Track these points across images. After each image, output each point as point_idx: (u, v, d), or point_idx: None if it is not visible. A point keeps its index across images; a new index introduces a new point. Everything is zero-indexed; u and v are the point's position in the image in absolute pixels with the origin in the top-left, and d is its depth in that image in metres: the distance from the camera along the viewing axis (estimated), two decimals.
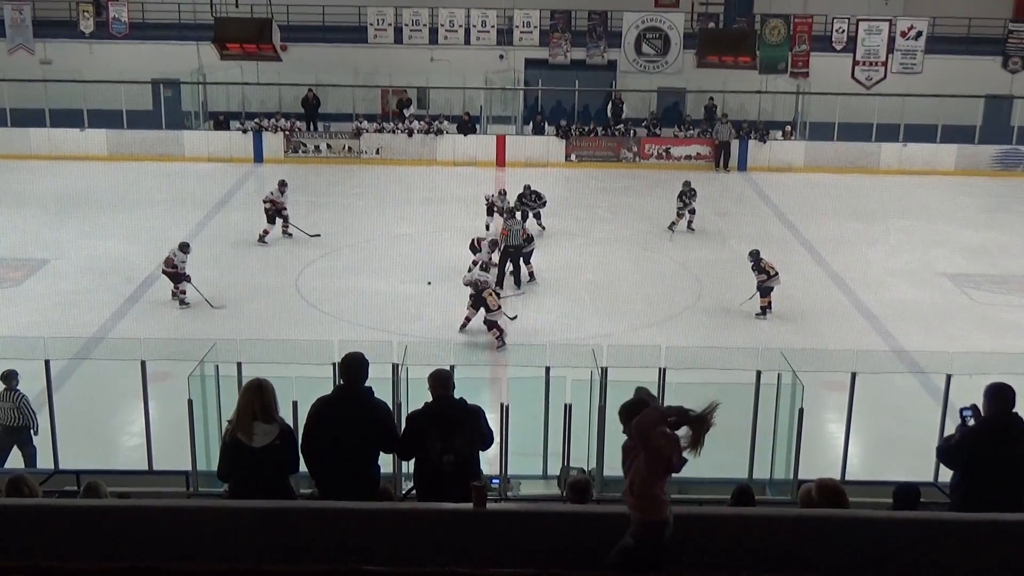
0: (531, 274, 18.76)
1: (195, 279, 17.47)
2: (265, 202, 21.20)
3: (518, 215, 18.68)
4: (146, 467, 9.92)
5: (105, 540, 4.46)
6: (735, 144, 29.20)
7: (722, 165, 28.97)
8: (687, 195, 22.46)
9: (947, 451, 7.02)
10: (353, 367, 6.61)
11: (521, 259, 18.56)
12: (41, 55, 31.01)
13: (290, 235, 21.22)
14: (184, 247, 17.63)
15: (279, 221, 21.20)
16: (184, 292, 17.44)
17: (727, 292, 18.04)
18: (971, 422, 6.83)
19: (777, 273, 17.21)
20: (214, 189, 25.19)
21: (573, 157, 29.10)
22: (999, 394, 6.65)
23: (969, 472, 6.83)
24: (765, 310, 17.22)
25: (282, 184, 21.34)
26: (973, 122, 29.17)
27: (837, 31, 30.31)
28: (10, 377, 10.96)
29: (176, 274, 17.42)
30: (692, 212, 22.48)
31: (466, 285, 16.26)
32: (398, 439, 6.97)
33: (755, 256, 17.37)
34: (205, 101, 31.27)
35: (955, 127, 28.82)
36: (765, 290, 17.20)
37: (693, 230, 22.39)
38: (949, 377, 9.59)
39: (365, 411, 6.58)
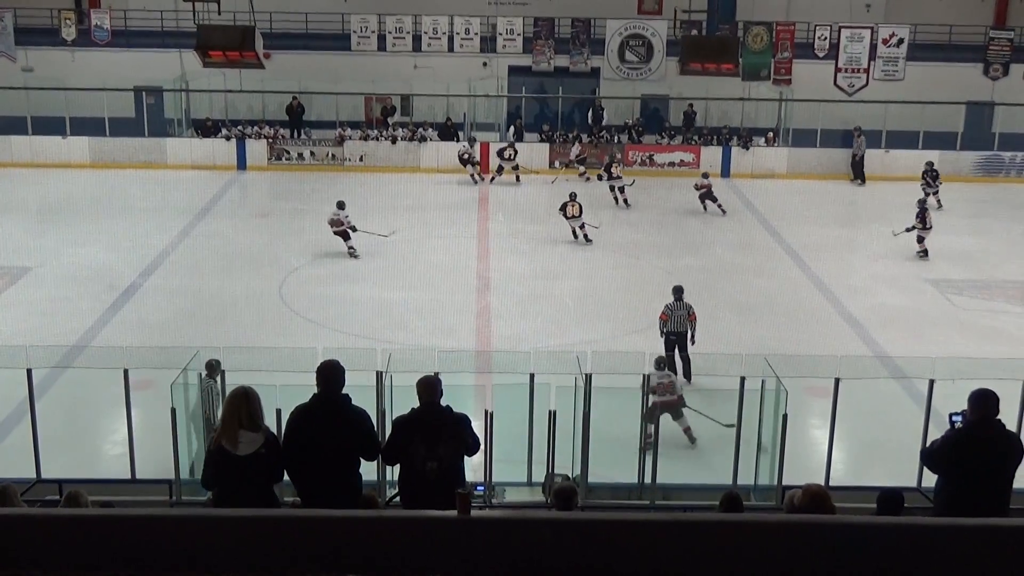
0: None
1: (179, 286, 17.42)
2: None
3: (685, 298, 14.95)
4: (129, 476, 9.87)
5: (87, 550, 4.43)
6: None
7: (858, 177, 28.61)
8: (930, 175, 25.94)
9: (931, 455, 7.06)
10: (328, 375, 6.59)
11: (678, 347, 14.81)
12: (23, 62, 30.87)
13: None
14: (341, 204, 20.79)
15: None
16: (353, 247, 20.55)
17: (711, 300, 18.07)
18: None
19: (929, 228, 20.92)
20: (197, 197, 25.11)
21: (557, 164, 29.12)
22: (982, 400, 6.69)
23: (952, 477, 6.86)
24: (924, 253, 20.90)
25: None
26: (955, 128, 29.31)
27: (819, 38, 30.48)
28: None
29: (344, 231, 20.51)
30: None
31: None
32: (378, 445, 6.97)
33: (921, 204, 21.41)
34: (188, 108, 31.20)
35: (937, 133, 28.96)
36: (919, 238, 20.91)
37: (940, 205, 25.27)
38: (932, 382, 9.63)
39: (343, 418, 6.57)
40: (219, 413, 10.68)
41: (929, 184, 25.88)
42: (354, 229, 20.84)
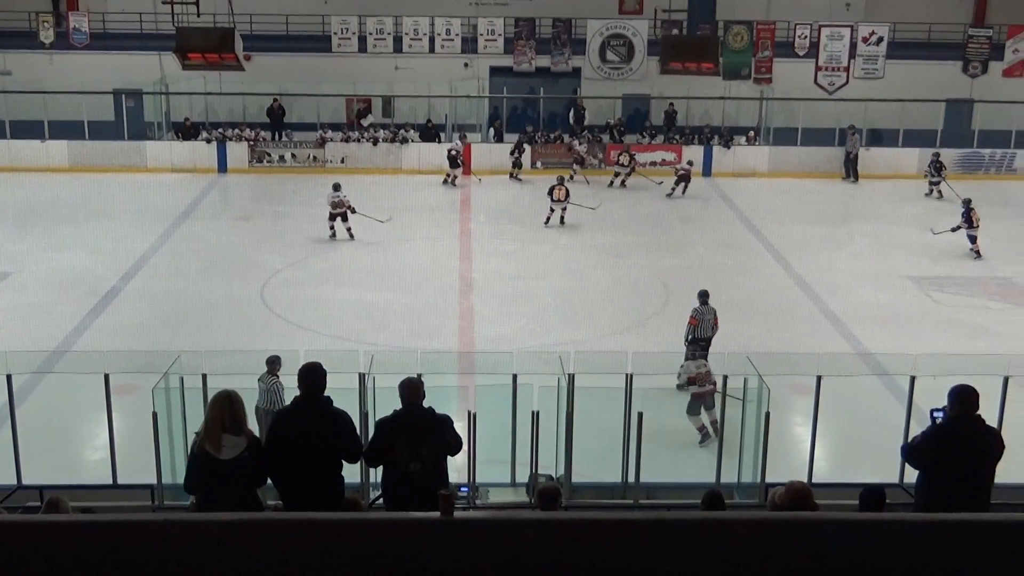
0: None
1: (160, 290, 17.34)
2: None
3: (710, 302, 14.56)
4: (110, 481, 9.82)
5: (68, 556, 4.41)
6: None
7: (851, 175, 28.75)
8: (935, 165, 26.61)
9: (912, 451, 7.10)
10: (310, 377, 6.57)
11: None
12: (1, 66, 30.71)
13: None
14: (337, 186, 21.67)
15: None
16: (350, 228, 21.42)
17: (694, 298, 18.10)
18: None
19: (977, 226, 21.12)
20: (178, 200, 25.03)
21: (539, 164, 29.12)
22: (963, 396, 6.71)
23: (933, 473, 6.90)
24: (977, 253, 21.12)
25: None
26: (934, 126, 29.46)
27: (800, 37, 30.61)
28: None
29: (346, 213, 21.32)
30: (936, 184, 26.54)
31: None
32: (360, 448, 6.96)
33: (967, 204, 21.39)
34: (168, 111, 31.08)
35: (917, 131, 29.13)
36: (971, 237, 21.22)
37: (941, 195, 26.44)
38: (913, 379, 9.66)
39: (325, 421, 6.55)
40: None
41: (932, 175, 26.32)
42: (353, 211, 21.47)
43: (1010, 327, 17.16)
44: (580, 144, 29.00)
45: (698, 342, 14.04)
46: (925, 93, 29.16)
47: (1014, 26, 30.87)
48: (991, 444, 6.88)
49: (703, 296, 14.56)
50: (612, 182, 27.54)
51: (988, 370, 9.34)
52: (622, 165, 27.60)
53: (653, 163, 29.23)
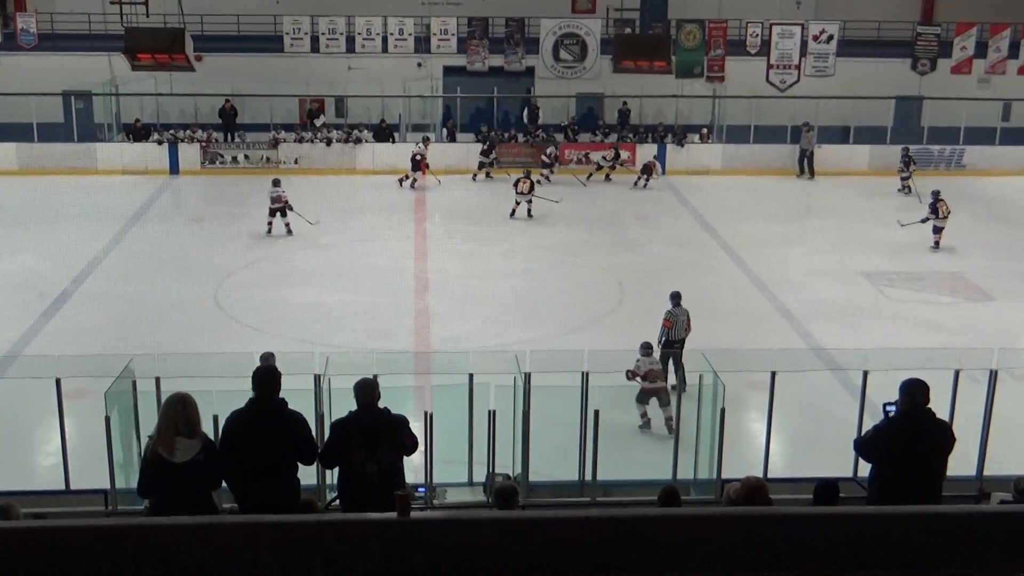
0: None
1: (112, 293, 17.14)
2: None
3: (683, 303, 14.34)
4: (63, 487, 9.70)
5: (20, 563, 4.35)
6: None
7: (806, 171, 28.91)
8: (904, 160, 27.12)
9: (863, 445, 7.18)
10: (265, 379, 6.54)
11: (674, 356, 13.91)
12: None
13: None
14: (277, 181, 21.99)
15: None
16: (289, 223, 21.68)
17: (648, 296, 18.18)
18: None
19: (945, 216, 21.54)
20: (129, 202, 24.77)
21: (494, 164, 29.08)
22: (913, 389, 6.80)
23: (884, 466, 6.98)
24: (936, 244, 21.57)
25: None
26: (884, 123, 29.84)
27: (751, 35, 30.83)
28: None
29: (284, 208, 21.56)
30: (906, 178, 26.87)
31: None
32: (316, 450, 6.93)
33: (935, 195, 21.85)
34: (118, 113, 30.74)
35: (867, 128, 29.51)
36: (936, 228, 21.59)
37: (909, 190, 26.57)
38: (866, 374, 9.75)
39: (279, 423, 6.52)
40: None
41: (903, 170, 26.95)
42: (291, 208, 21.68)
43: (960, 321, 17.39)
44: (555, 149, 28.79)
45: (672, 344, 13.86)
46: (875, 90, 29.54)
47: (962, 23, 31.25)
48: (942, 437, 6.97)
49: (675, 298, 14.35)
50: (591, 175, 28.03)
51: (939, 364, 9.45)
52: (606, 159, 28.15)
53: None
